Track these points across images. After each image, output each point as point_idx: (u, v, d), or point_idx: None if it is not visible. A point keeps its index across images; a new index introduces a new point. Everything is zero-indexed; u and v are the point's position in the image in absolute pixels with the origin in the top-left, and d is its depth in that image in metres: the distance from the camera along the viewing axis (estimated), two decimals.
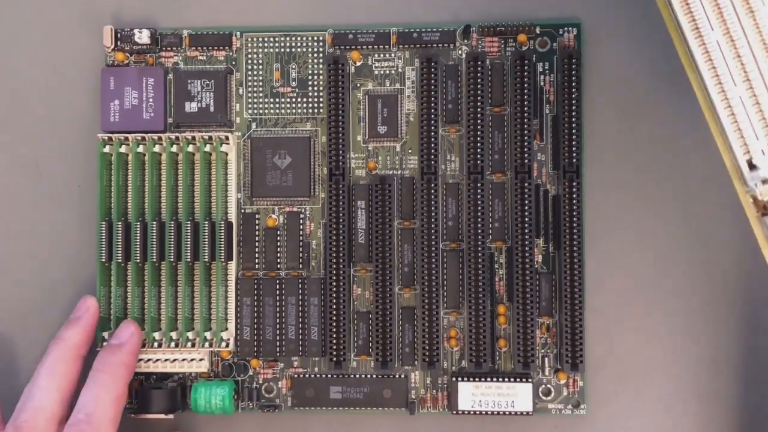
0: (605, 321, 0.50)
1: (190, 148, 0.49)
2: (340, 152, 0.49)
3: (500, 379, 0.48)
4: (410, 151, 0.50)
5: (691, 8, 0.40)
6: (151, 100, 0.50)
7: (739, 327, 0.50)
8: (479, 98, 0.49)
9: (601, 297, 0.50)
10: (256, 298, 0.50)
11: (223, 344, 0.49)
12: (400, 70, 0.50)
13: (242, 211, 0.50)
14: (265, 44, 0.51)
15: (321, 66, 0.51)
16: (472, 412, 0.48)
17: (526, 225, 0.48)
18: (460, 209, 0.49)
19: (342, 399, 0.49)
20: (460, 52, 0.50)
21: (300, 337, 0.50)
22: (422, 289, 0.49)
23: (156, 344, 0.49)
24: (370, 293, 0.50)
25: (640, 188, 0.50)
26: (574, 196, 0.48)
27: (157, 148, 0.49)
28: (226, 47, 0.51)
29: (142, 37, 0.50)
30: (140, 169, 0.49)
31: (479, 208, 0.49)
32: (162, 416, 0.49)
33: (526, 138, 0.49)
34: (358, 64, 0.51)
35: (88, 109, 0.51)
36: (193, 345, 0.49)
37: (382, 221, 0.49)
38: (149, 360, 0.49)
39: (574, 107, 0.48)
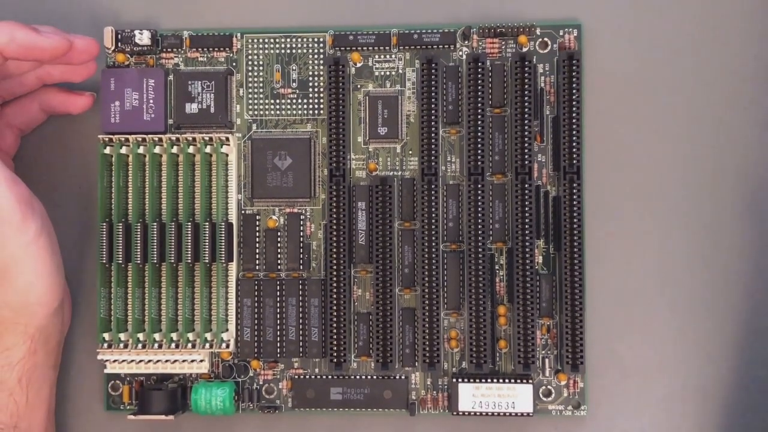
0: (605, 322, 0.50)
1: (191, 150, 0.49)
2: (341, 153, 0.49)
3: (500, 380, 0.48)
4: (411, 152, 0.50)
5: None
6: (151, 101, 0.50)
7: (739, 327, 0.50)
8: (479, 99, 0.49)
9: (602, 298, 0.50)
10: (256, 299, 0.50)
11: (224, 345, 0.49)
12: (400, 71, 0.50)
13: (243, 212, 0.50)
14: (266, 45, 0.51)
15: (321, 67, 0.51)
16: (472, 413, 0.48)
17: (526, 226, 0.48)
18: (461, 210, 0.49)
19: (342, 400, 0.49)
20: (460, 53, 0.50)
21: (300, 338, 0.50)
22: (423, 290, 0.49)
23: (156, 345, 0.49)
24: (370, 294, 0.50)
25: (640, 189, 0.50)
26: (575, 197, 0.48)
27: (157, 150, 0.49)
28: (227, 48, 0.51)
29: (143, 38, 0.50)
30: (141, 171, 0.49)
31: (479, 209, 0.49)
32: (162, 417, 0.49)
33: (526, 139, 0.49)
34: (359, 65, 0.51)
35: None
36: (194, 346, 0.49)
37: (382, 222, 0.49)
38: (150, 361, 0.49)
39: (574, 108, 0.48)
